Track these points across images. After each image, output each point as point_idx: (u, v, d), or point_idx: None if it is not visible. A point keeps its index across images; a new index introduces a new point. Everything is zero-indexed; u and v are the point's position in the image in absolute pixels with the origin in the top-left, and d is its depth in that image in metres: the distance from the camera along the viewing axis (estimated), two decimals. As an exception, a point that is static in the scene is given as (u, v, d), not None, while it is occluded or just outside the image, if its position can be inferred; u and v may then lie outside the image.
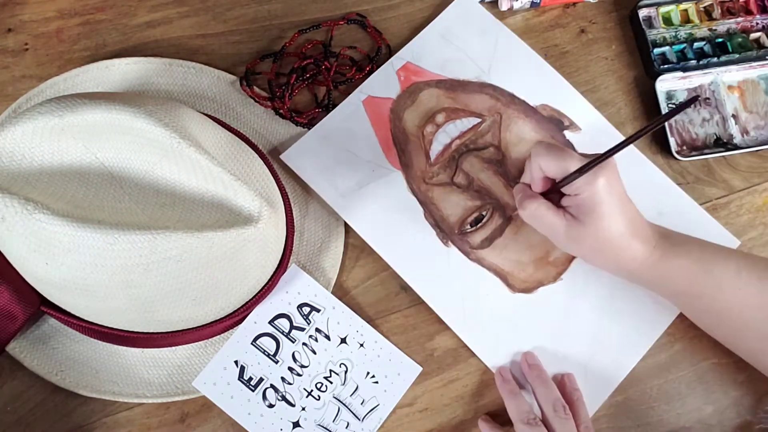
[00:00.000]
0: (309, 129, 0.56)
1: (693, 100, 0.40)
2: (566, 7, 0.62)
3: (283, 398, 0.50)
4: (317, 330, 0.51)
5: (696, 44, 0.61)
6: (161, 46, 0.58)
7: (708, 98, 0.60)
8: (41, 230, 0.38)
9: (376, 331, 0.52)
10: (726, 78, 0.60)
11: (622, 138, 0.57)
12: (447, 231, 0.54)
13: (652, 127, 0.42)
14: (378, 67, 0.58)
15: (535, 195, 0.48)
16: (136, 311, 0.43)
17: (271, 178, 0.48)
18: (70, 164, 0.41)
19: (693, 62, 0.60)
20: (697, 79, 0.60)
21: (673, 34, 0.61)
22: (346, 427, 0.50)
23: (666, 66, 0.59)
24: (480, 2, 0.60)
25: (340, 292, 0.54)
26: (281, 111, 0.56)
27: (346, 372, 0.51)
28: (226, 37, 0.59)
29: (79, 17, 0.58)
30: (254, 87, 0.56)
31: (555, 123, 0.58)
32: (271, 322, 0.51)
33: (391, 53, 0.59)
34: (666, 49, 0.60)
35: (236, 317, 0.49)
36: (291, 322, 0.51)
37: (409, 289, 0.53)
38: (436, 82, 0.58)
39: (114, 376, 0.50)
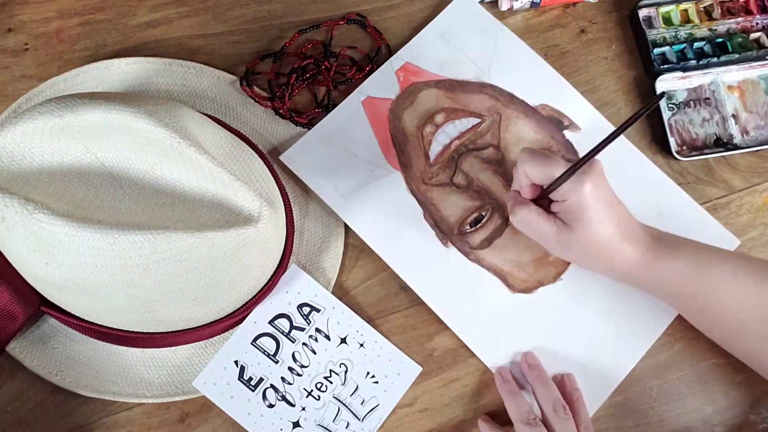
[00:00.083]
0: (309, 129, 0.56)
1: (659, 98, 0.41)
2: (566, 7, 0.62)
3: (283, 398, 0.50)
4: (317, 330, 0.51)
5: (696, 44, 0.61)
6: (161, 46, 0.58)
7: (708, 98, 0.60)
8: (41, 230, 0.38)
9: (376, 331, 0.52)
10: (726, 78, 0.60)
11: (623, 138, 0.57)
12: (446, 231, 0.54)
13: (624, 127, 0.43)
14: (378, 67, 0.58)
15: (525, 201, 0.48)
16: (136, 311, 0.43)
17: (271, 178, 0.48)
18: (70, 164, 0.41)
19: (693, 62, 0.60)
20: (697, 79, 0.60)
21: (673, 34, 0.61)
22: (346, 427, 0.50)
23: (666, 66, 0.59)
24: (480, 2, 0.61)
25: (340, 292, 0.54)
26: (281, 111, 0.56)
27: (346, 372, 0.51)
28: (226, 37, 0.59)
29: (79, 17, 0.58)
30: (254, 87, 0.56)
31: (555, 123, 0.58)
32: (271, 322, 0.51)
33: (390, 53, 0.59)
34: (666, 49, 0.60)
35: (236, 317, 0.49)
36: (291, 322, 0.51)
37: (408, 290, 0.53)
38: (435, 83, 0.58)
39: (114, 376, 0.50)
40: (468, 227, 0.55)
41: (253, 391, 0.50)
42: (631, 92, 0.60)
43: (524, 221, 0.48)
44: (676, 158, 0.57)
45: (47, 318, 0.50)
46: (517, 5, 0.60)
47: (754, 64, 0.59)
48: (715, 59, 0.60)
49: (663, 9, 0.61)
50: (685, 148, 0.59)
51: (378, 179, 0.55)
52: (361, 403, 0.51)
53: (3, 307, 0.46)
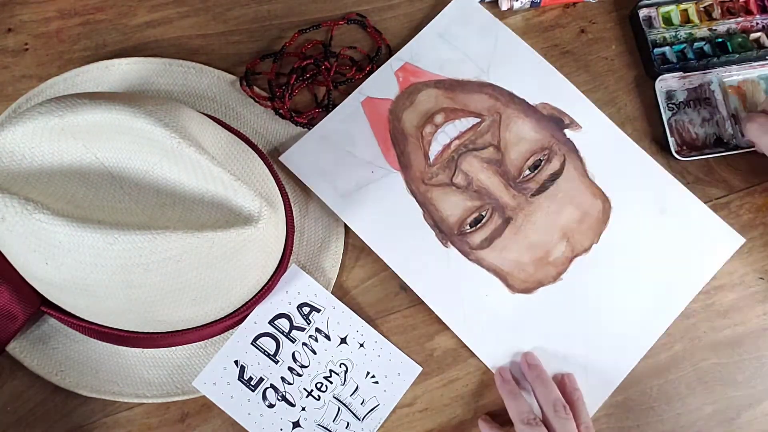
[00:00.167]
0: (309, 129, 0.56)
1: None
2: (566, 7, 0.62)
3: (283, 398, 0.50)
4: (317, 330, 0.51)
5: (696, 44, 0.61)
6: (161, 46, 0.58)
7: (708, 98, 0.60)
8: (41, 230, 0.38)
9: (376, 331, 0.52)
10: (726, 78, 0.60)
11: (624, 135, 0.57)
12: (446, 232, 0.54)
13: None
14: (378, 67, 0.58)
15: None
16: (136, 311, 0.43)
17: (271, 178, 0.48)
18: (70, 164, 0.41)
19: (693, 62, 0.60)
20: (697, 79, 0.60)
21: (673, 34, 0.61)
22: (346, 427, 0.50)
23: (666, 66, 0.59)
24: (480, 2, 0.60)
25: (340, 292, 0.54)
26: (281, 111, 0.56)
27: (346, 372, 0.51)
28: (226, 37, 0.59)
29: (79, 17, 0.58)
30: (254, 87, 0.56)
31: (555, 121, 0.58)
32: (271, 322, 0.51)
33: (390, 53, 0.59)
34: (666, 49, 0.60)
35: (236, 317, 0.49)
36: (291, 322, 0.51)
37: (408, 290, 0.53)
38: (434, 83, 0.58)
39: (114, 376, 0.50)
40: (468, 227, 0.55)
41: (253, 391, 0.50)
42: (631, 92, 0.60)
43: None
44: (676, 158, 0.57)
45: (47, 318, 0.50)
46: (517, 5, 0.60)
47: (754, 64, 0.59)
48: (715, 59, 0.60)
49: (663, 9, 0.61)
50: (685, 148, 0.59)
51: (378, 180, 0.55)
52: (361, 403, 0.51)
53: (3, 307, 0.46)
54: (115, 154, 0.42)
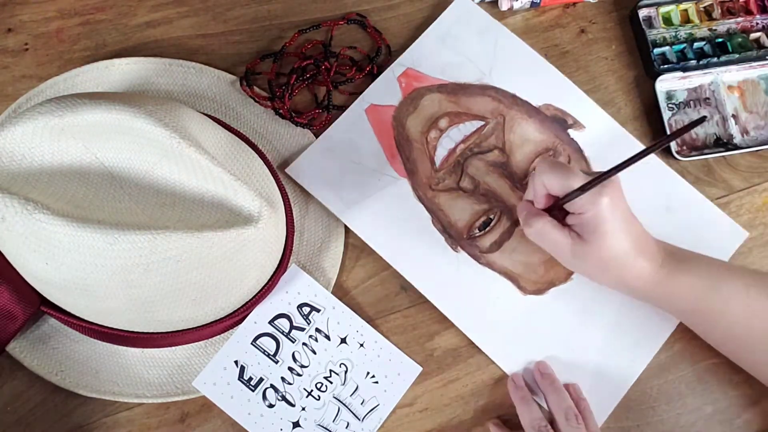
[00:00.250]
0: (309, 129, 0.56)
1: (700, 121, 0.40)
2: (566, 7, 0.62)
3: (283, 398, 0.50)
4: (317, 330, 0.51)
5: (696, 44, 0.61)
6: (161, 46, 0.58)
7: (708, 98, 0.60)
8: (41, 230, 0.38)
9: (376, 331, 0.52)
10: (726, 78, 0.60)
11: (628, 133, 0.57)
12: (456, 236, 0.54)
13: (659, 145, 0.42)
14: (378, 67, 0.58)
15: (540, 212, 0.48)
16: (136, 311, 0.43)
17: (271, 178, 0.48)
18: (70, 164, 0.41)
19: (693, 62, 0.60)
20: (697, 79, 0.60)
21: (673, 34, 0.61)
22: (346, 427, 0.50)
23: (666, 66, 0.59)
24: (479, 2, 0.60)
25: (340, 292, 0.54)
26: (281, 111, 0.56)
27: (346, 372, 0.51)
28: (226, 37, 0.59)
29: (79, 17, 0.58)
30: (254, 87, 0.56)
31: (559, 122, 0.58)
32: (271, 322, 0.51)
33: (390, 53, 0.59)
34: (666, 49, 0.60)
35: (236, 317, 0.49)
36: (291, 322, 0.51)
37: (409, 289, 0.53)
38: (437, 87, 0.58)
39: (114, 376, 0.50)
40: (477, 231, 0.55)
41: (253, 391, 0.50)
42: (631, 92, 0.60)
43: (539, 233, 0.48)
44: (676, 158, 0.57)
45: (47, 318, 0.50)
46: (517, 5, 0.60)
47: (754, 64, 0.59)
48: (715, 59, 0.60)
49: (663, 9, 0.61)
50: (685, 148, 0.59)
51: (384, 187, 0.55)
52: (361, 403, 0.51)
53: (3, 307, 0.46)
54: (115, 154, 0.42)
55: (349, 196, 0.54)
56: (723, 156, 0.58)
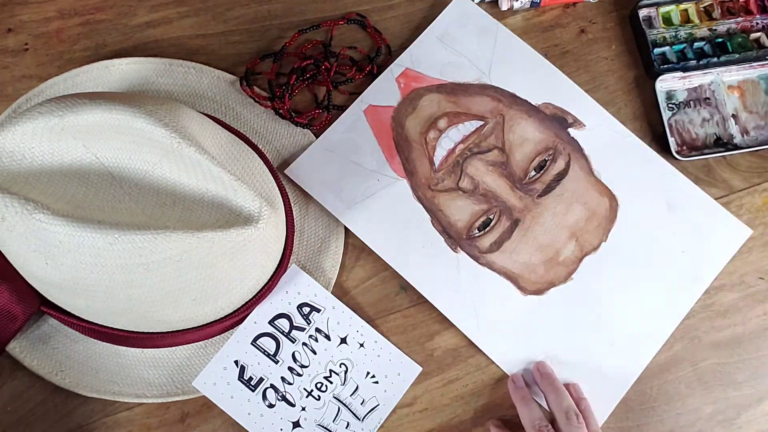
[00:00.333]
0: (309, 129, 0.56)
1: None
2: (566, 7, 0.62)
3: (283, 398, 0.50)
4: (317, 330, 0.51)
5: (696, 44, 0.61)
6: (161, 46, 0.58)
7: (708, 98, 0.60)
8: (41, 230, 0.38)
9: (376, 331, 0.52)
10: (726, 78, 0.60)
11: (628, 131, 0.57)
12: (455, 237, 0.54)
13: None
14: (378, 67, 0.58)
15: None
16: (136, 311, 0.43)
17: (271, 178, 0.48)
18: (70, 164, 0.41)
19: (693, 62, 0.60)
20: (697, 79, 0.60)
21: (673, 34, 0.61)
22: (346, 427, 0.50)
23: (666, 66, 0.59)
24: (479, 2, 0.60)
25: (340, 292, 0.54)
26: (281, 111, 0.56)
27: (346, 372, 0.51)
28: (226, 37, 0.59)
29: (79, 17, 0.58)
30: (254, 87, 0.56)
31: (558, 121, 0.58)
32: (271, 322, 0.51)
33: (390, 53, 0.59)
34: (666, 49, 0.60)
35: (236, 317, 0.49)
36: (291, 322, 0.51)
37: (409, 289, 0.53)
38: (436, 87, 0.58)
39: (114, 376, 0.50)
40: (476, 231, 0.55)
41: (253, 391, 0.50)
42: (631, 92, 0.60)
43: None
44: (676, 158, 0.57)
45: (47, 318, 0.50)
46: (517, 5, 0.60)
47: (754, 64, 0.59)
48: (715, 59, 0.60)
49: (663, 9, 0.61)
50: (685, 148, 0.59)
51: (384, 188, 0.55)
52: (361, 403, 0.51)
53: (3, 307, 0.46)
54: (115, 154, 0.42)
55: (348, 196, 0.54)
56: (723, 156, 0.58)
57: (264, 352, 0.50)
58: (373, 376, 0.51)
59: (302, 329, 0.51)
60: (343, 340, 0.52)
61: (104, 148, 0.41)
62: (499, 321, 0.53)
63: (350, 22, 0.59)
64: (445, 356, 0.53)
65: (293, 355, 0.51)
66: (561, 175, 0.56)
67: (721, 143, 0.59)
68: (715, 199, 0.57)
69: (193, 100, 0.56)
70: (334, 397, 0.50)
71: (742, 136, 0.59)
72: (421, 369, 0.52)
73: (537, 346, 0.53)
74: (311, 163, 0.55)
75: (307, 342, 0.51)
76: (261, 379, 0.50)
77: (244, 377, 0.50)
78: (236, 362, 0.50)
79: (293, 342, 0.51)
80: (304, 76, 0.57)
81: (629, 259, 0.55)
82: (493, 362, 0.52)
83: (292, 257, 0.53)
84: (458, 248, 0.54)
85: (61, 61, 0.57)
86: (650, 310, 0.53)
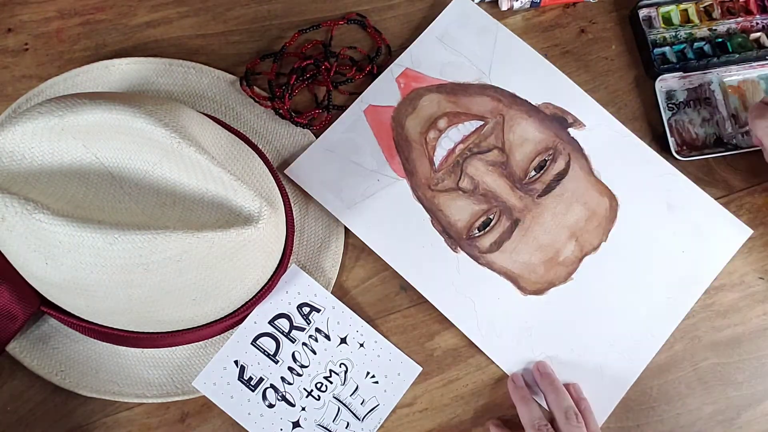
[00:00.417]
0: (309, 129, 0.56)
1: None
2: (566, 7, 0.62)
3: (283, 398, 0.50)
4: (317, 330, 0.51)
5: (696, 44, 0.61)
6: (161, 46, 0.58)
7: (708, 98, 0.60)
8: (41, 230, 0.38)
9: (376, 331, 0.52)
10: (726, 78, 0.60)
11: (628, 131, 0.57)
12: (455, 237, 0.54)
13: None
14: (378, 67, 0.58)
15: None
16: (136, 311, 0.43)
17: (271, 178, 0.48)
18: (70, 164, 0.41)
19: (693, 62, 0.60)
20: (697, 79, 0.60)
21: (673, 34, 0.61)
22: (346, 427, 0.50)
23: (666, 66, 0.59)
24: (479, 2, 0.60)
25: (340, 292, 0.54)
26: (281, 111, 0.56)
27: (346, 372, 0.51)
28: (226, 37, 0.59)
29: (79, 17, 0.58)
30: (254, 87, 0.56)
31: (558, 121, 0.58)
32: (271, 322, 0.51)
33: (390, 53, 0.59)
34: (666, 49, 0.60)
35: (236, 317, 0.49)
36: (291, 322, 0.51)
37: (409, 289, 0.53)
38: (436, 87, 0.58)
39: (114, 376, 0.50)
40: (476, 231, 0.55)
41: (253, 391, 0.50)
42: (631, 92, 0.60)
43: None
44: (676, 158, 0.57)
45: (47, 318, 0.50)
46: (517, 5, 0.60)
47: (754, 64, 0.59)
48: (715, 59, 0.60)
49: (663, 9, 0.61)
50: (685, 148, 0.59)
51: (384, 188, 0.55)
52: (361, 403, 0.51)
53: (3, 307, 0.46)
54: (115, 154, 0.42)
55: (348, 196, 0.54)
56: (723, 156, 0.58)
57: (264, 352, 0.50)
58: (373, 376, 0.51)
59: (302, 329, 0.51)
60: (343, 340, 0.52)
61: (104, 148, 0.41)
62: (499, 321, 0.53)
63: (350, 22, 0.59)
64: (445, 356, 0.53)
65: (293, 355, 0.51)
66: (561, 175, 0.56)
67: (721, 143, 0.59)
68: (715, 199, 0.57)
69: (193, 100, 0.56)
70: (334, 397, 0.50)
71: (743, 136, 0.59)
72: (421, 369, 0.52)
73: (537, 346, 0.53)
74: (311, 163, 0.55)
75: (307, 342, 0.51)
76: (261, 379, 0.50)
77: (244, 377, 0.50)
78: (236, 362, 0.50)
79: (293, 342, 0.51)
80: (304, 76, 0.57)
81: (629, 259, 0.55)
82: (493, 362, 0.52)
83: (292, 257, 0.53)
84: (458, 248, 0.54)
85: (61, 61, 0.57)
86: (650, 310, 0.54)
